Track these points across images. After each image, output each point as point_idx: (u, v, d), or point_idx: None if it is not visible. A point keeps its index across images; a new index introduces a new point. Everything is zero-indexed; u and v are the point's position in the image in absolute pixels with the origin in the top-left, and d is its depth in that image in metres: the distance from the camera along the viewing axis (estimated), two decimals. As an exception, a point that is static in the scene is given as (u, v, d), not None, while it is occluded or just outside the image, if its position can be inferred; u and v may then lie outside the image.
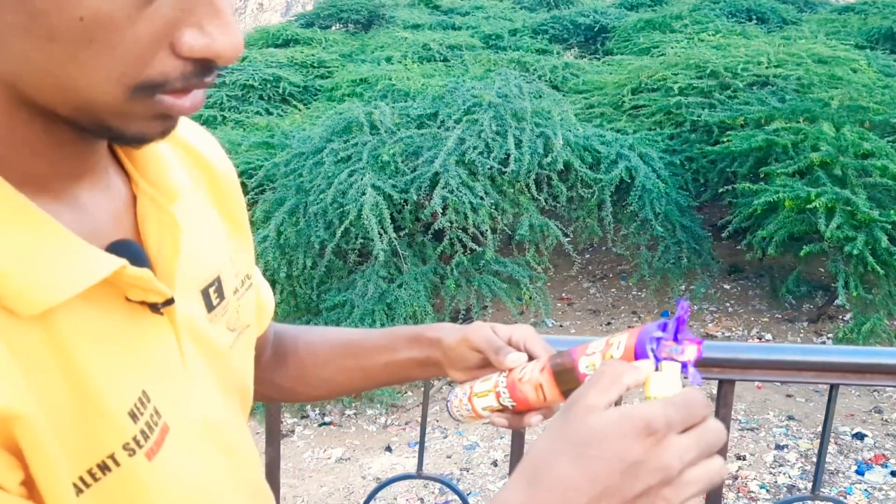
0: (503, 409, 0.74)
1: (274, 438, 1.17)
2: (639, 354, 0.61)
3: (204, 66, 0.46)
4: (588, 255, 6.74)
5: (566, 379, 0.68)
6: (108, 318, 0.50)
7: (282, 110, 7.89)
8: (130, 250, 0.51)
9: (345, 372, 0.86)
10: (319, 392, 0.90)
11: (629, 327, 0.66)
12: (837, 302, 5.74)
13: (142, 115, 0.46)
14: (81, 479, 0.47)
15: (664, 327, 0.60)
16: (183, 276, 0.56)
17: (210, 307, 0.61)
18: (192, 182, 0.62)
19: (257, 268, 0.79)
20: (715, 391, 1.14)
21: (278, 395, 0.90)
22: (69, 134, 0.48)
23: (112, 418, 0.48)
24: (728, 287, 6.23)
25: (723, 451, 1.09)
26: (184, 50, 0.44)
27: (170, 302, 0.53)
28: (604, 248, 6.44)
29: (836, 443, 4.20)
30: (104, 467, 0.48)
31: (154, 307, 0.53)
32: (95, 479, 0.48)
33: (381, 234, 4.64)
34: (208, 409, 0.58)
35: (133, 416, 0.50)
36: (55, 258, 0.46)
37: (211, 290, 0.61)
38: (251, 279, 0.69)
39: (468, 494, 3.83)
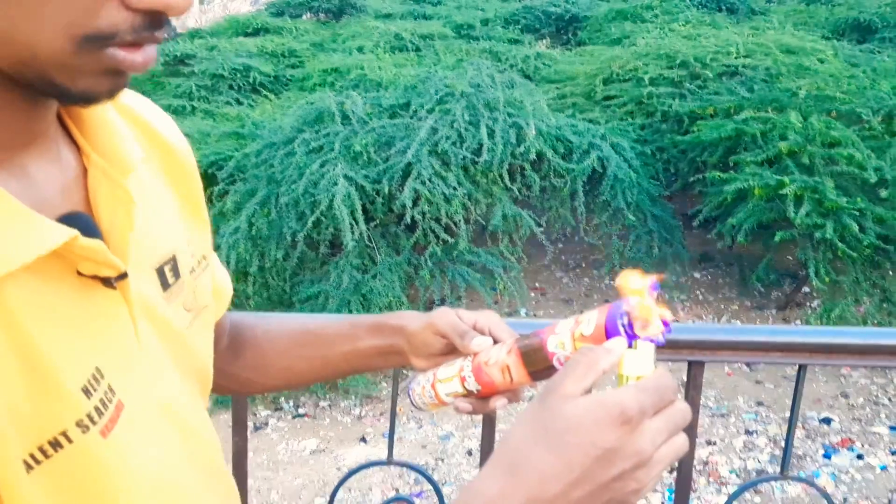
0: (468, 394, 0.74)
1: (241, 428, 1.15)
2: (609, 330, 0.61)
3: (154, 19, 0.44)
4: (561, 245, 6.77)
5: (534, 359, 0.68)
6: (58, 292, 0.48)
7: (252, 100, 7.80)
8: (81, 222, 0.49)
9: (304, 361, 0.84)
10: (278, 382, 0.88)
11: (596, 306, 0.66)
12: (805, 289, 5.84)
13: (90, 69, 0.44)
14: (32, 455, 0.45)
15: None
16: (137, 253, 0.54)
17: (165, 286, 0.59)
18: (145, 156, 0.59)
19: (214, 252, 0.76)
20: (684, 374, 1.15)
21: (235, 385, 0.88)
22: (12, 94, 0.46)
23: (65, 394, 0.47)
24: (698, 276, 6.30)
25: (691, 432, 1.10)
26: (133, 0, 0.43)
27: (123, 276, 0.51)
28: (576, 237, 6.48)
29: (803, 427, 4.27)
30: (56, 444, 0.46)
31: (107, 281, 0.51)
32: (47, 457, 0.46)
33: (353, 225, 4.62)
34: (164, 390, 0.57)
35: (87, 392, 0.48)
36: (1, 227, 0.44)
37: (166, 269, 0.59)
38: (208, 260, 0.67)
39: (443, 485, 3.84)
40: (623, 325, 0.60)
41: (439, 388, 0.75)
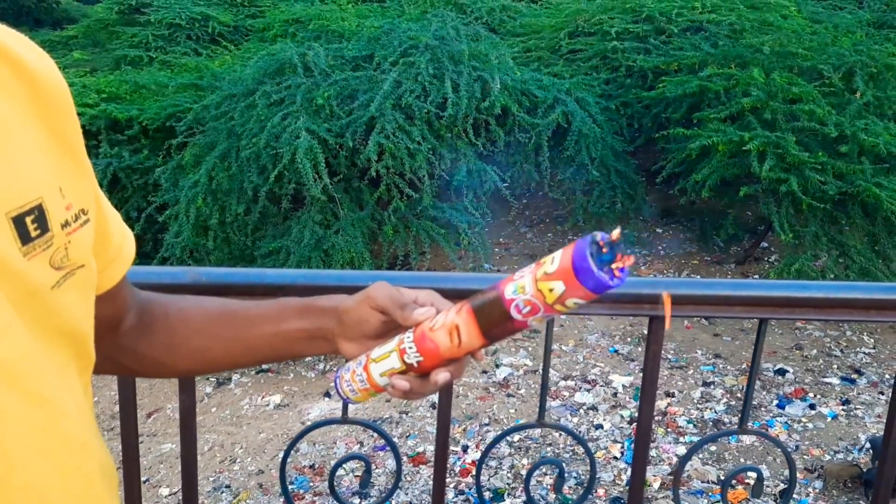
0: (406, 370, 0.68)
1: (188, 386, 1.12)
2: (577, 263, 0.57)
3: None
4: (525, 201, 6.78)
5: (489, 312, 0.63)
6: None
7: (211, 51, 7.60)
8: None
9: (221, 342, 0.78)
10: (190, 364, 0.81)
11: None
12: (763, 244, 5.94)
13: None
14: None
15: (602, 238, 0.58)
16: None
17: (26, 238, 0.52)
18: (3, 92, 0.54)
19: (116, 211, 0.70)
20: (646, 328, 1.15)
21: (140, 366, 0.80)
22: None
23: None
24: (660, 231, 6.37)
25: (652, 386, 1.11)
26: None
27: None
28: (540, 193, 6.48)
29: (759, 378, 4.38)
30: None
31: None
32: None
33: (315, 179, 4.56)
34: (7, 351, 0.51)
35: None
36: None
37: (28, 220, 0.53)
38: (88, 215, 0.60)
39: (407, 437, 3.87)
40: (592, 256, 0.56)
41: (373, 369, 0.69)
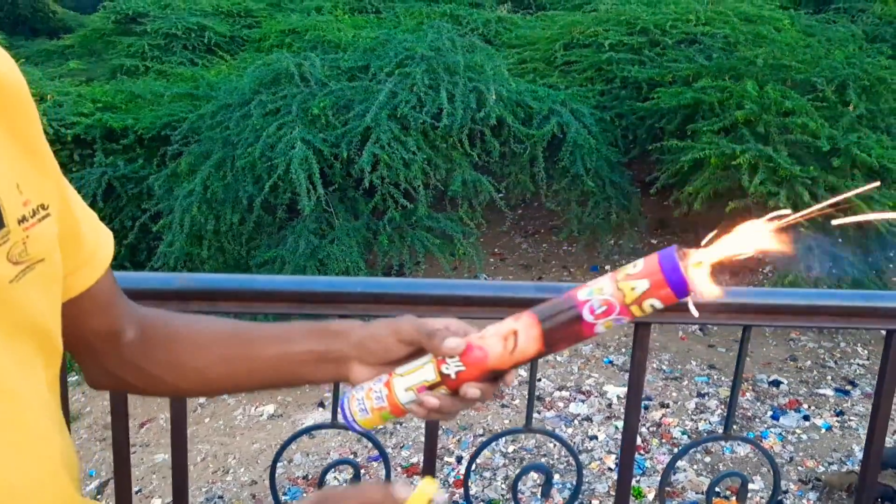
0: (437, 384, 0.67)
1: None
2: (664, 262, 0.61)
3: None
4: (520, 211, 6.79)
5: (556, 314, 0.64)
6: None
7: (207, 60, 7.64)
8: None
9: (226, 362, 0.76)
10: (193, 384, 0.79)
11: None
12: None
13: None
14: None
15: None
16: None
17: None
18: None
19: (92, 211, 0.70)
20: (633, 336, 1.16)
21: (142, 383, 0.78)
22: None
23: None
24: (655, 242, 6.38)
25: (637, 392, 1.12)
26: None
27: None
28: (536, 203, 6.50)
29: (753, 389, 4.38)
30: None
31: None
32: None
33: (310, 190, 4.57)
34: None
35: None
36: None
37: None
38: (48, 210, 0.60)
39: (401, 448, 3.87)
40: (679, 257, 0.60)
41: (397, 384, 0.68)
